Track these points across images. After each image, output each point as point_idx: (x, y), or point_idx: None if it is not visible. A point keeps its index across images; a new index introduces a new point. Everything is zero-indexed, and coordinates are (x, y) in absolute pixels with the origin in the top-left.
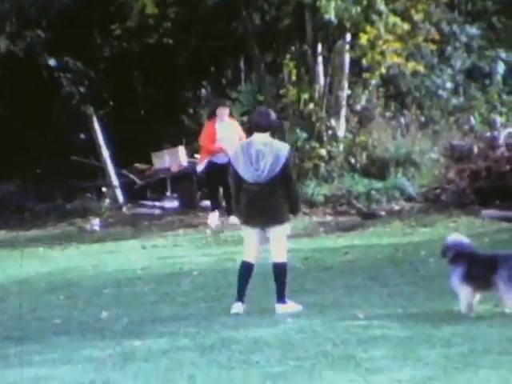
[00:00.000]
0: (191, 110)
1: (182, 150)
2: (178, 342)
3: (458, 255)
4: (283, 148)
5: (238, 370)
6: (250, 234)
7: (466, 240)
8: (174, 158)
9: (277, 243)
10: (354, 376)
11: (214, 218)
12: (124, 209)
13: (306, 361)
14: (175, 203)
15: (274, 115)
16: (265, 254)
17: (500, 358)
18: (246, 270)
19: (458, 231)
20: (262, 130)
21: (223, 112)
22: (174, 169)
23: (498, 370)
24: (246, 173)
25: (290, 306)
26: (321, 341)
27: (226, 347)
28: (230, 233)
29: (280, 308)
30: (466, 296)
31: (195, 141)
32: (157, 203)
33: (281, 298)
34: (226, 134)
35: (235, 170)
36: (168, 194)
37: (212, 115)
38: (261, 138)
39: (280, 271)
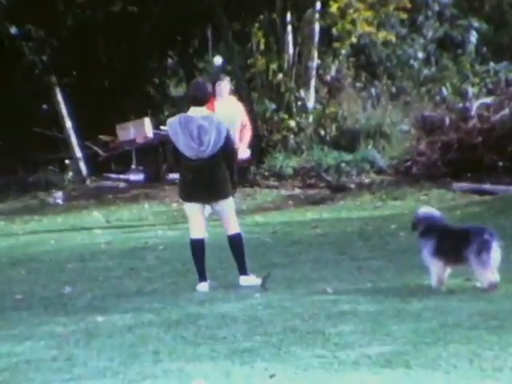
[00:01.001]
0: (157, 80)
1: (147, 122)
2: (142, 318)
3: (429, 229)
4: (222, 121)
5: (205, 346)
6: (194, 209)
7: (437, 213)
8: (139, 130)
9: (227, 216)
10: (323, 351)
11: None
12: (88, 181)
13: (273, 336)
14: (140, 176)
15: (210, 87)
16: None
17: (470, 332)
18: (199, 247)
19: (429, 204)
20: (200, 103)
21: (222, 88)
22: (140, 140)
23: (468, 345)
24: (188, 149)
25: (253, 279)
26: (289, 316)
27: (192, 323)
28: None
29: (244, 280)
30: (436, 270)
31: (161, 111)
32: (121, 176)
33: (243, 270)
34: (226, 112)
35: (174, 146)
36: (133, 166)
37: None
38: (200, 112)
39: (236, 243)
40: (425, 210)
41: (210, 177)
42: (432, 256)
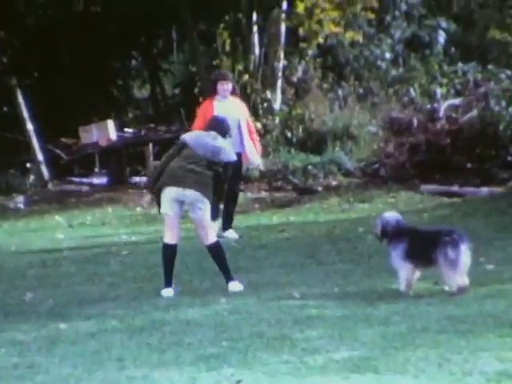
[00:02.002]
0: (121, 82)
1: (110, 124)
2: (106, 324)
3: (398, 232)
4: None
5: (170, 352)
6: (171, 213)
7: (398, 216)
8: (102, 132)
9: (206, 225)
10: (289, 357)
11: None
12: (50, 185)
13: (239, 342)
14: (104, 179)
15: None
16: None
17: (439, 336)
18: (171, 252)
19: (396, 207)
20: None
21: (225, 87)
22: (103, 143)
23: (437, 349)
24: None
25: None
26: (255, 321)
27: (157, 329)
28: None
29: (234, 286)
30: (406, 274)
31: (125, 113)
32: (84, 179)
33: (229, 276)
34: (227, 115)
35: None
36: (96, 169)
37: (212, 91)
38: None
39: (217, 252)
40: (390, 214)
41: (200, 173)
42: (402, 259)
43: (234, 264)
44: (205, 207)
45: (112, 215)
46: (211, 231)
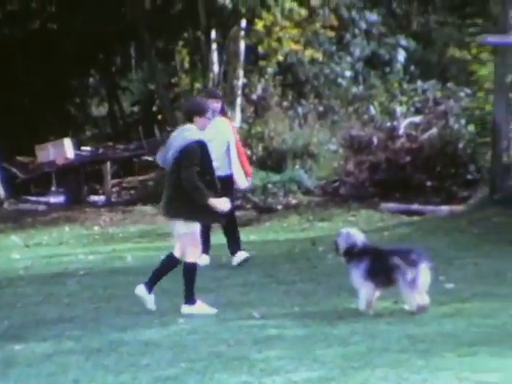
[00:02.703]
0: (78, 100)
1: (67, 142)
2: (62, 345)
3: (359, 251)
4: (191, 134)
5: (127, 374)
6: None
7: (360, 234)
8: (58, 151)
9: (181, 241)
10: (248, 377)
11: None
12: (5, 204)
13: (198, 362)
14: (61, 198)
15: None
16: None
17: (399, 356)
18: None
19: (357, 225)
20: (187, 118)
21: (214, 106)
22: (60, 162)
23: (397, 369)
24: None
25: (199, 308)
26: (214, 341)
27: (114, 350)
28: (118, 229)
29: (186, 308)
30: (366, 293)
31: (82, 131)
32: (41, 198)
33: (187, 298)
34: (215, 136)
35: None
36: (53, 188)
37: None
38: (183, 128)
39: (185, 271)
40: (353, 232)
41: (166, 189)
42: (363, 279)
43: None
44: (176, 222)
45: (69, 234)
46: (188, 249)
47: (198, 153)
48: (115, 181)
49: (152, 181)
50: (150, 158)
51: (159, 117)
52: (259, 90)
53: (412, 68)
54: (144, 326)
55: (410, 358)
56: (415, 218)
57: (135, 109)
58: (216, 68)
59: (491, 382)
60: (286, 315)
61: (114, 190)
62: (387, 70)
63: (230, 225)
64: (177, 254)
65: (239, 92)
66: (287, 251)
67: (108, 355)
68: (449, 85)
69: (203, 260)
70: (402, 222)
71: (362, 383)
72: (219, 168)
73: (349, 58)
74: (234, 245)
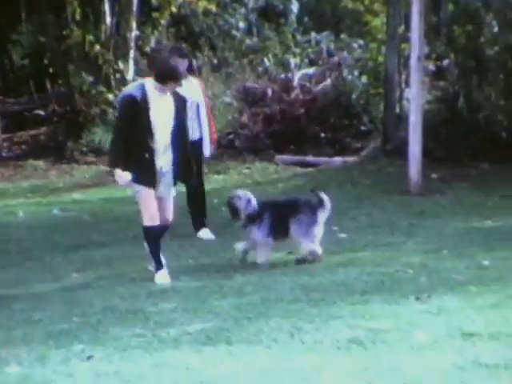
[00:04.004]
0: None
1: None
2: None
3: (259, 210)
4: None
5: (19, 330)
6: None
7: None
8: None
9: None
10: (142, 330)
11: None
12: None
13: (91, 316)
14: None
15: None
16: None
17: (292, 306)
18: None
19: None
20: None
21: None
22: None
23: (290, 319)
24: None
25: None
26: (108, 295)
27: (5, 306)
28: (9, 184)
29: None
30: (266, 249)
31: None
32: None
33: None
34: (188, 94)
35: None
36: None
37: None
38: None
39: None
40: (249, 195)
41: None
42: (265, 237)
43: (86, 238)
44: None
45: None
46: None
47: (128, 108)
48: (6, 135)
49: (44, 135)
50: (41, 112)
51: (50, 70)
52: (152, 43)
53: (306, 19)
54: (36, 281)
55: (303, 308)
56: (309, 169)
57: (26, 62)
58: (108, 20)
59: (382, 329)
60: (181, 268)
61: (4, 144)
62: (281, 21)
63: (198, 198)
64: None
65: (132, 44)
66: (182, 205)
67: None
68: (342, 36)
69: (205, 233)
70: (296, 174)
71: (256, 333)
72: (194, 129)
73: (243, 10)
74: (198, 220)
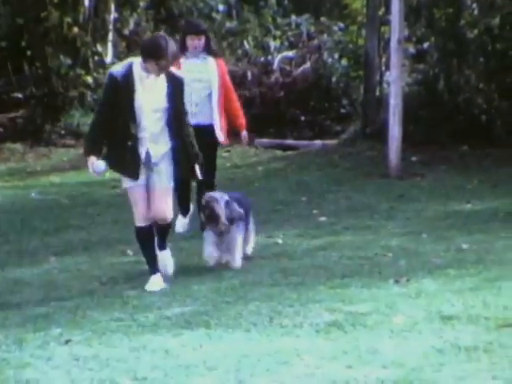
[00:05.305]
0: None
1: None
2: None
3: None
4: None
5: None
6: None
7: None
8: None
9: None
10: (121, 315)
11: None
12: None
13: (69, 301)
14: None
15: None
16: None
17: (271, 289)
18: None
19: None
20: None
21: (195, 43)
22: None
23: (269, 303)
24: None
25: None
26: (86, 279)
27: None
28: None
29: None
30: (241, 246)
31: None
32: None
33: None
34: (196, 76)
35: None
36: None
37: (181, 47)
38: None
39: None
40: (226, 197)
41: None
42: (242, 235)
43: (64, 221)
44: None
45: None
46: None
47: (108, 89)
48: None
49: (21, 118)
50: (19, 95)
51: (28, 52)
52: (131, 25)
53: (286, 2)
54: (14, 265)
55: (282, 292)
56: (289, 152)
57: (3, 44)
58: (87, 2)
59: (362, 312)
60: None
61: None
62: (261, 4)
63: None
64: None
65: (111, 27)
66: None
67: None
68: (322, 19)
69: (179, 223)
70: (275, 157)
71: (235, 317)
72: (198, 114)
73: None
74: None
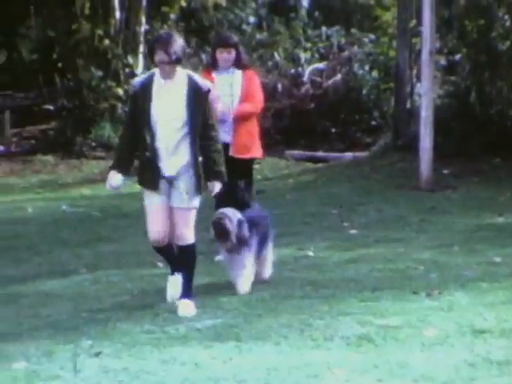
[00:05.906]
0: None
1: None
2: None
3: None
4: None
5: (27, 326)
6: None
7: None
8: None
9: None
10: (151, 327)
11: None
12: None
13: (100, 313)
14: None
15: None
16: None
17: (301, 302)
18: None
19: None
20: None
21: (224, 56)
22: None
23: (300, 315)
24: None
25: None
26: (117, 291)
27: (14, 302)
28: (18, 179)
29: (182, 305)
30: (252, 271)
31: None
32: None
33: (183, 292)
34: (223, 91)
35: None
36: None
37: (212, 60)
38: None
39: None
40: (239, 215)
41: None
42: (254, 257)
43: (95, 234)
44: None
45: None
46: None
47: (131, 100)
48: (14, 130)
49: (52, 130)
50: (50, 107)
51: (59, 64)
52: None
53: (316, 14)
54: (45, 277)
55: (313, 304)
56: (320, 164)
57: (35, 56)
58: (117, 14)
59: (393, 325)
60: None
61: (13, 139)
62: (292, 15)
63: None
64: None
65: (141, 39)
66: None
67: (7, 307)
68: (353, 30)
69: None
70: (306, 169)
71: (265, 330)
72: (225, 132)
73: (253, 4)
74: None
